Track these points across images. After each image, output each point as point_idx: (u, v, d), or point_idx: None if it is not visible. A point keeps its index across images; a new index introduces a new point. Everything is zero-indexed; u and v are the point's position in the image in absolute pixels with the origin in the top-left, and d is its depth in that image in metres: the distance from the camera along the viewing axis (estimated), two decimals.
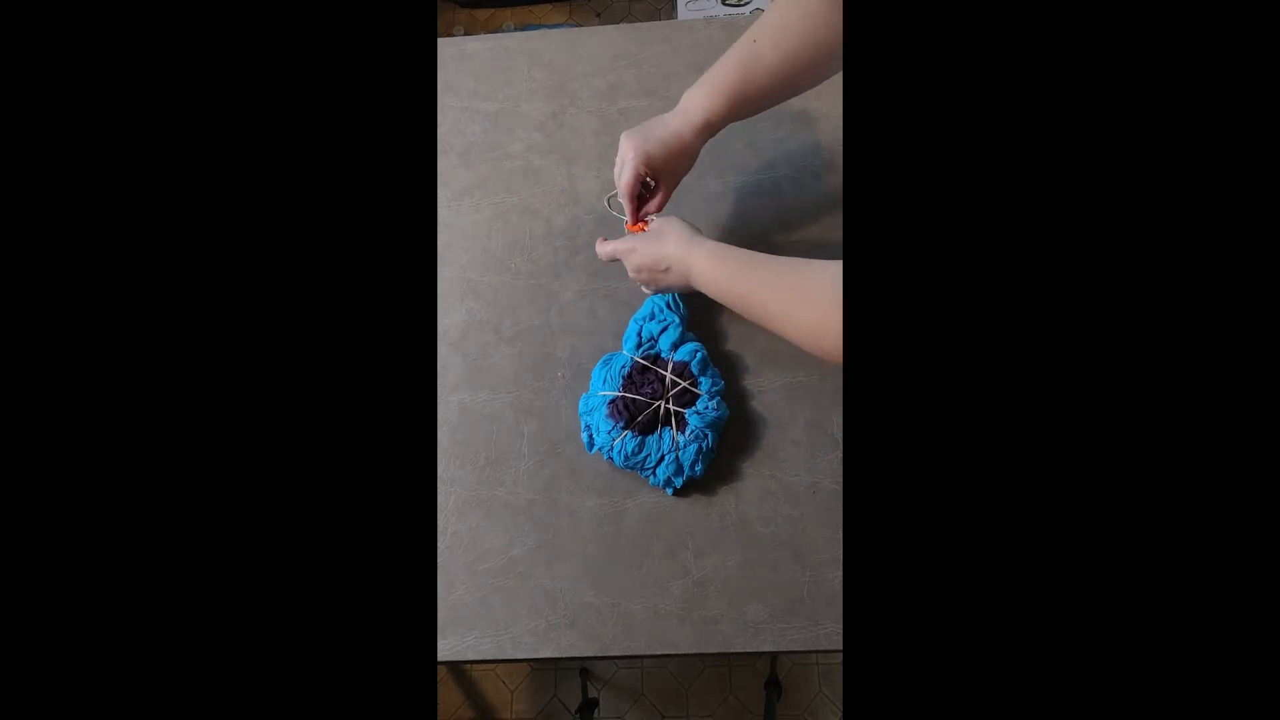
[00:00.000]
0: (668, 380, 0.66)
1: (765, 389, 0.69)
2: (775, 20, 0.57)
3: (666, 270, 0.63)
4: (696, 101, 0.61)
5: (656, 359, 0.67)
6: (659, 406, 0.65)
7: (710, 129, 0.62)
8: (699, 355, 0.67)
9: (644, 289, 0.69)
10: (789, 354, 0.70)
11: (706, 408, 0.65)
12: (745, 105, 0.61)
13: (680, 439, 0.64)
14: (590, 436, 0.66)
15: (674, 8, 1.81)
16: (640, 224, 0.67)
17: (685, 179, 0.66)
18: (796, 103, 0.81)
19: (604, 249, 0.67)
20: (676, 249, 0.62)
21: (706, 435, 0.64)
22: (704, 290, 0.62)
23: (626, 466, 0.65)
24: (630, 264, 0.66)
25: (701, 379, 0.67)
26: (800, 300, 0.56)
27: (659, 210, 0.67)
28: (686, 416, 0.65)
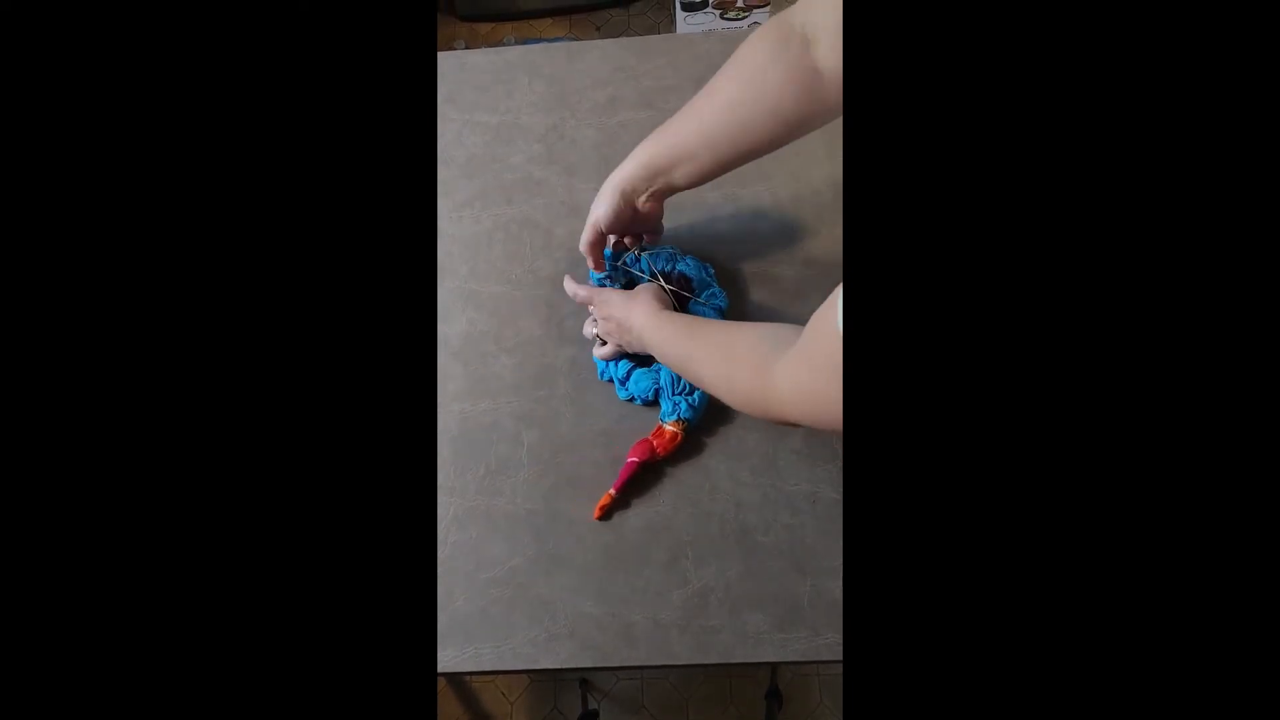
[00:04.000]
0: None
1: None
2: (716, 81, 0.58)
3: (630, 329, 0.65)
4: (622, 168, 0.63)
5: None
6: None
7: (630, 193, 0.63)
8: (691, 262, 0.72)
9: (598, 348, 0.70)
10: None
11: (711, 295, 0.70)
12: (670, 168, 0.61)
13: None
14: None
15: (673, 22, 1.83)
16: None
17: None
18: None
19: (578, 292, 0.69)
20: (638, 317, 0.64)
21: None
22: (654, 355, 0.65)
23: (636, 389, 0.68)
24: (602, 312, 0.67)
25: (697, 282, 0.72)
26: (729, 363, 0.57)
27: (639, 242, 0.72)
28: (691, 309, 0.69)
